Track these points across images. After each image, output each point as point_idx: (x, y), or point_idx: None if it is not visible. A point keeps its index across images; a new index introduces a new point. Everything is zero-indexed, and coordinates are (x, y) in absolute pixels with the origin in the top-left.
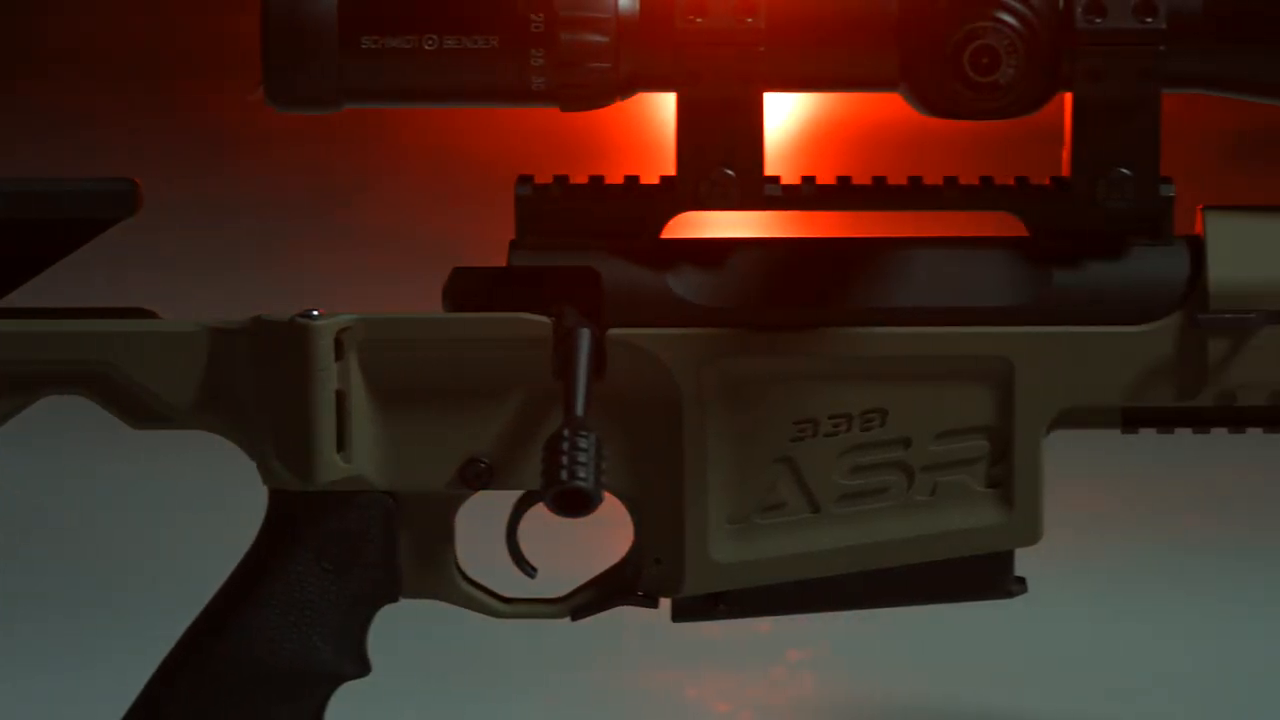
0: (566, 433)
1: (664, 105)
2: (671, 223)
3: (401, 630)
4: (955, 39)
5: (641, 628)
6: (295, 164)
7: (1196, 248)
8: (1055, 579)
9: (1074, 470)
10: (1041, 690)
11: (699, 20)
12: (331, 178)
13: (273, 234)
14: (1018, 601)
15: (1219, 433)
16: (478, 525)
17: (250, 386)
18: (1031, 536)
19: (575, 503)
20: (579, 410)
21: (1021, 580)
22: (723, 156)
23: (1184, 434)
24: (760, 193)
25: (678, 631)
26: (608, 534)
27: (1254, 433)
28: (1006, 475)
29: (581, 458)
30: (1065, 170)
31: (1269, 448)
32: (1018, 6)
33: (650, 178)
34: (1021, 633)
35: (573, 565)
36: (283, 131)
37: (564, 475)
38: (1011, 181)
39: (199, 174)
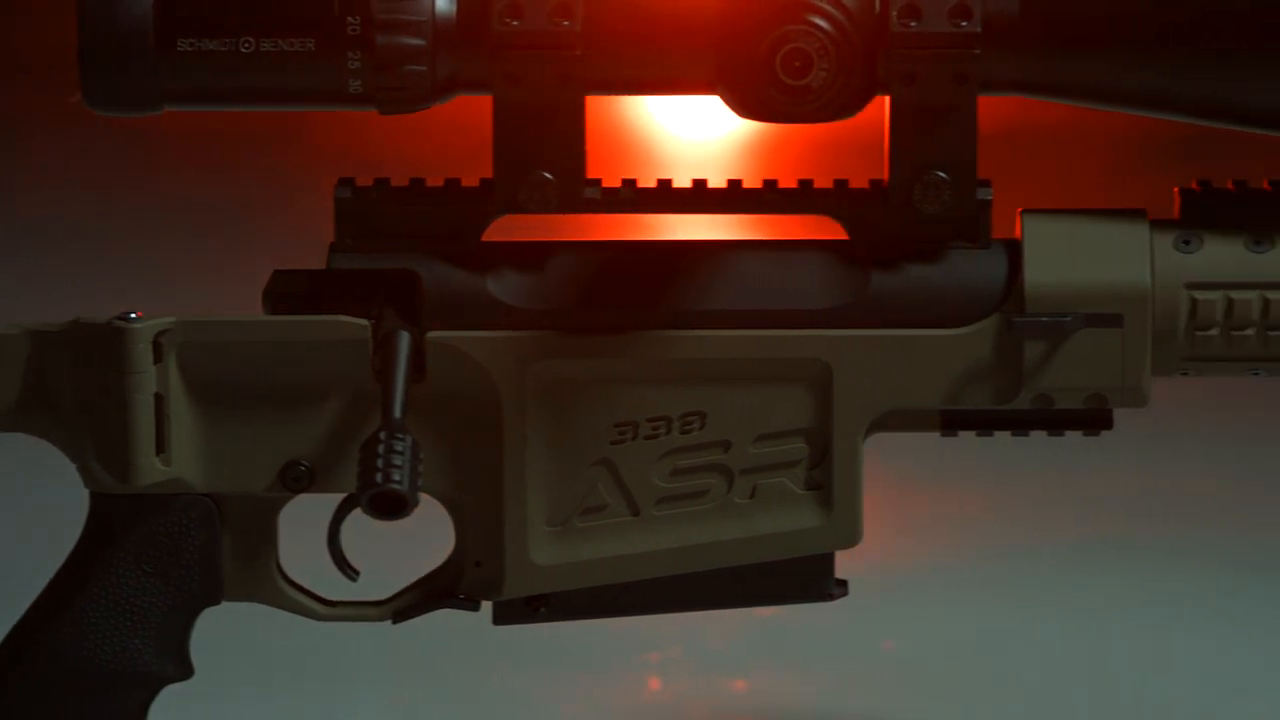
0: (383, 435)
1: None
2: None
3: (241, 631)
4: (767, 42)
5: (491, 629)
6: (240, 166)
7: (1014, 251)
8: (906, 580)
9: (923, 473)
10: (890, 692)
11: (515, 23)
12: (273, 180)
13: (207, 238)
14: (871, 603)
15: (1038, 435)
16: (305, 527)
17: (70, 389)
18: (850, 538)
19: (390, 506)
20: (396, 413)
21: (843, 583)
22: (541, 159)
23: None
24: (580, 196)
25: (530, 633)
26: (437, 536)
27: (1074, 435)
28: (825, 478)
29: (397, 460)
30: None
31: (1097, 448)
32: (830, 10)
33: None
34: (869, 633)
35: (403, 567)
36: (223, 134)
37: (379, 478)
38: (831, 184)
39: (131, 179)
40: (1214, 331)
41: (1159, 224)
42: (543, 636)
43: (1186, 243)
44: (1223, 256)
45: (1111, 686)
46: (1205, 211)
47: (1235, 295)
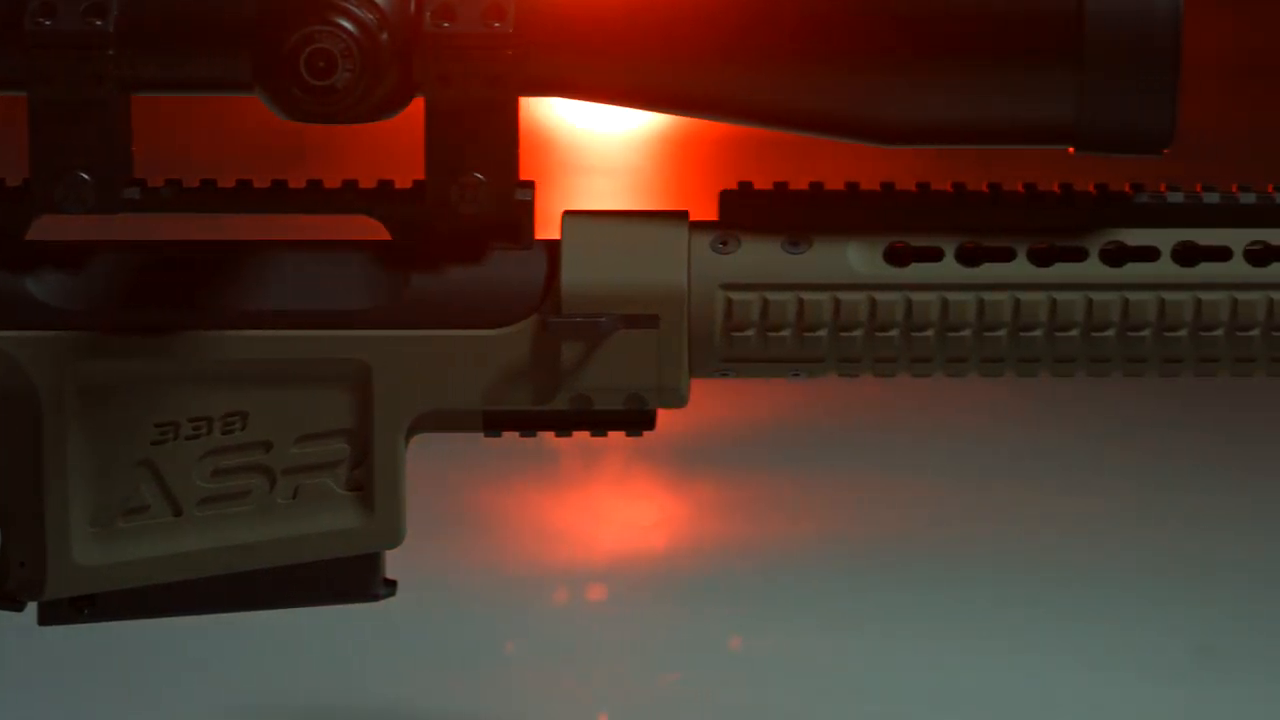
0: None
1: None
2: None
3: None
4: (291, 42)
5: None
6: None
7: (555, 252)
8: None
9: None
10: (513, 691)
11: (47, 22)
12: None
13: None
14: (498, 603)
15: (581, 435)
16: None
17: None
18: (392, 539)
19: None
20: None
21: (391, 583)
22: (79, 159)
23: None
24: (118, 196)
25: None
26: None
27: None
28: (367, 478)
29: None
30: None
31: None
32: (357, 11)
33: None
34: (493, 633)
35: None
36: None
37: None
38: (374, 184)
39: None
40: (750, 333)
41: (699, 225)
42: (162, 632)
43: (724, 244)
44: (759, 258)
45: (759, 688)
46: (745, 213)
47: (771, 296)
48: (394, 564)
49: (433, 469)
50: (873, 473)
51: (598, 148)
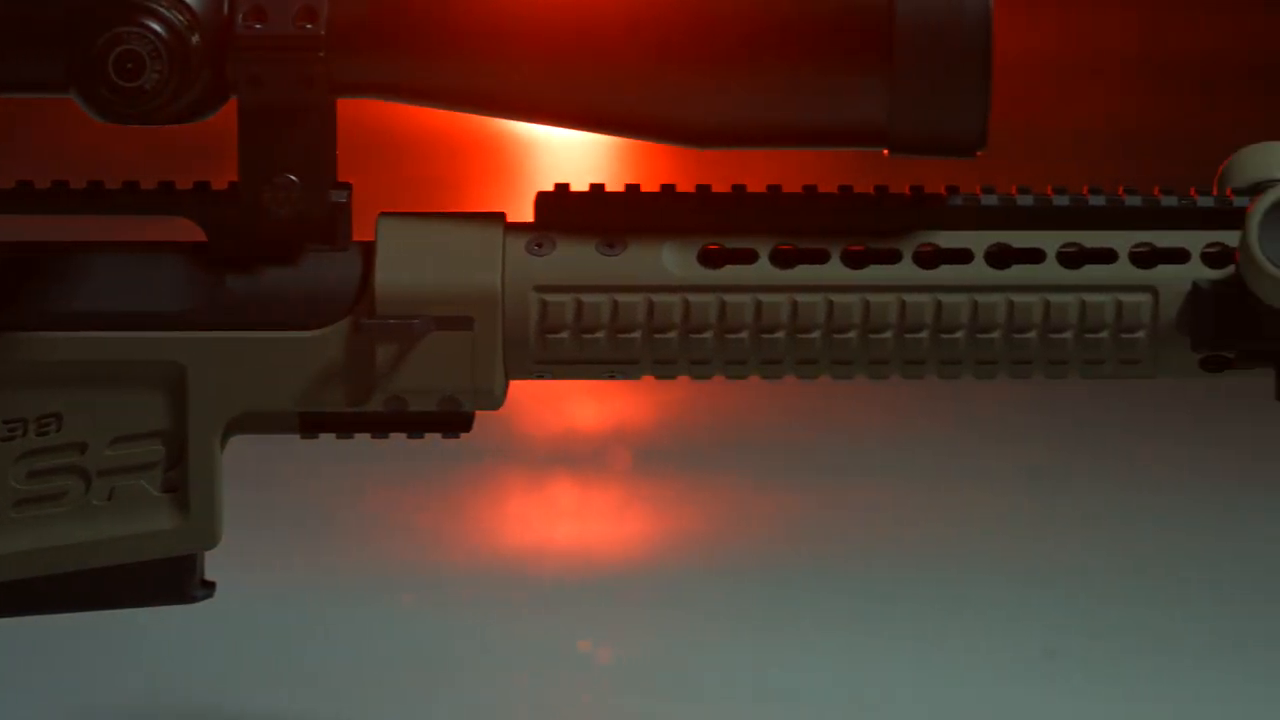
0: None
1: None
2: None
3: None
4: (100, 44)
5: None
6: None
7: (370, 253)
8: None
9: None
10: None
11: None
12: None
13: None
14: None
15: (398, 438)
16: None
17: None
18: (208, 540)
19: None
20: None
21: (209, 584)
22: None
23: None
24: None
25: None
26: None
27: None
28: (182, 480)
29: None
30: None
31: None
32: (167, 13)
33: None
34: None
35: None
36: None
37: None
38: (191, 186)
39: None
40: (565, 334)
41: (514, 227)
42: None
43: (539, 245)
44: (574, 259)
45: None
46: (561, 214)
47: (585, 298)
48: (242, 563)
49: (276, 469)
50: (728, 475)
51: (559, 148)
